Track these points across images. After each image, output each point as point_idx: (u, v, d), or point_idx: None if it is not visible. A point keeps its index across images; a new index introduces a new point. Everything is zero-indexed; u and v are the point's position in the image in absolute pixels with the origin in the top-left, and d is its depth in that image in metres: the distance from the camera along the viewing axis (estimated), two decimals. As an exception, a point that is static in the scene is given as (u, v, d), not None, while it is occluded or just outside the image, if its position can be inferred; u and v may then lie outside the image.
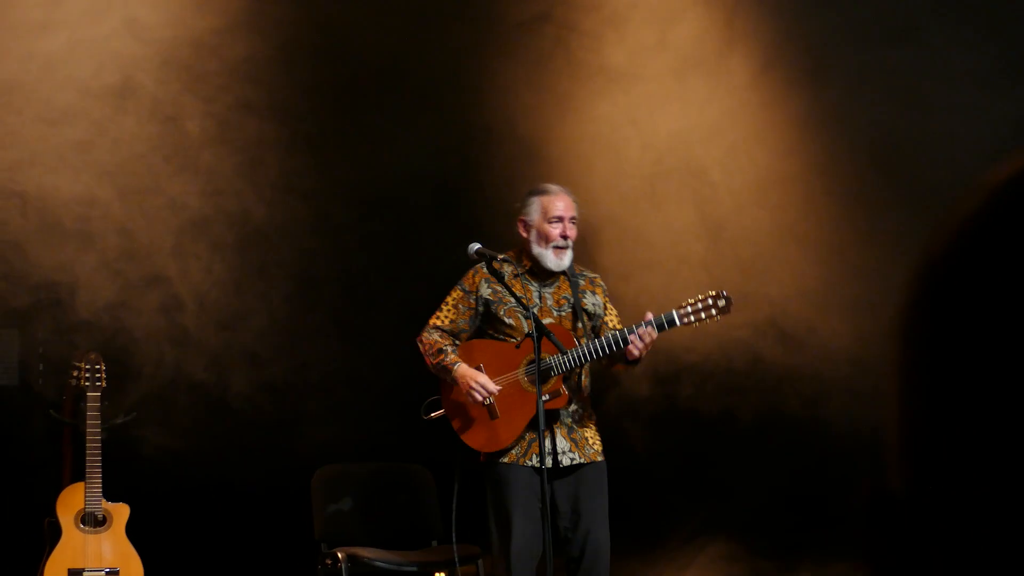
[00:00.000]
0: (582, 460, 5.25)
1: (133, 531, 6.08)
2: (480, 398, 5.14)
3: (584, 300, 5.34)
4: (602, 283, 5.51)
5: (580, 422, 5.29)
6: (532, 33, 7.13)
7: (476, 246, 5.18)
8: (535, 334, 4.98)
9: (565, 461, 5.22)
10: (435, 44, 7.09)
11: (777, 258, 6.82)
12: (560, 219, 5.28)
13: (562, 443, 5.20)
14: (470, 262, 5.30)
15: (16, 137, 6.50)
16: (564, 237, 5.27)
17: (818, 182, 6.82)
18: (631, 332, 5.13)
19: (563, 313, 5.27)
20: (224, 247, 6.88)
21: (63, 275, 6.61)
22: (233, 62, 6.78)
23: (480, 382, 5.15)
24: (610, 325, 5.42)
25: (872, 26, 6.73)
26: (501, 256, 5.27)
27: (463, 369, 5.22)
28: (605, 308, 5.44)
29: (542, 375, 5.08)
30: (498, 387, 5.17)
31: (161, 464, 6.62)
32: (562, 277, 5.35)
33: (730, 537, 6.84)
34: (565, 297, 5.31)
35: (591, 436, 5.30)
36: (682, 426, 6.97)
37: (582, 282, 5.41)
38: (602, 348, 5.14)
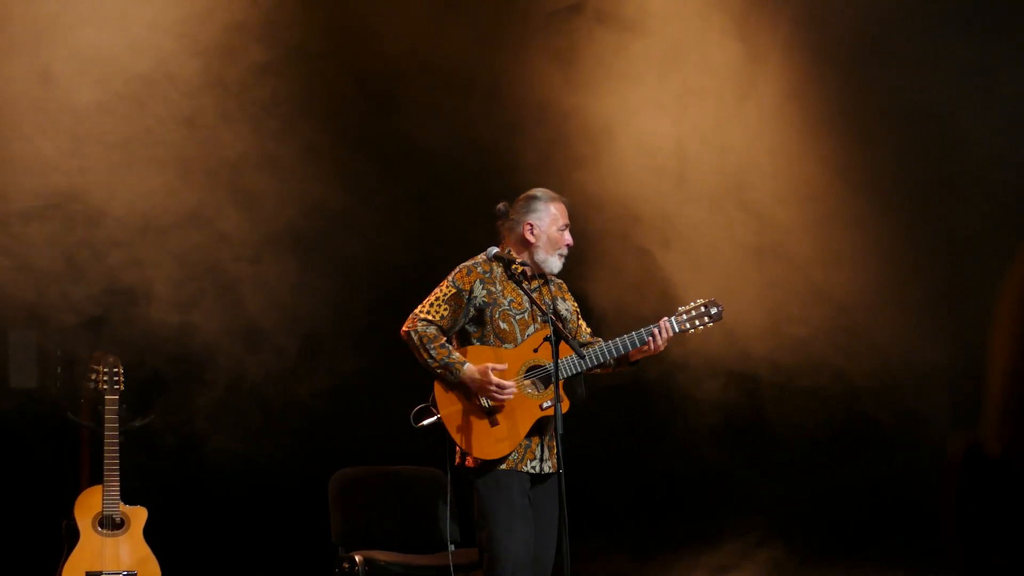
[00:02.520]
0: (551, 470, 5.23)
1: (151, 534, 6.09)
2: (503, 398, 5.04)
3: (558, 306, 5.33)
4: (567, 288, 5.49)
5: (551, 431, 5.22)
6: (563, 23, 7.20)
7: (494, 250, 5.27)
8: (553, 338, 4.99)
9: (545, 469, 5.21)
10: (468, 35, 7.15)
11: (838, 261, 6.92)
12: (566, 227, 5.33)
13: (543, 451, 5.17)
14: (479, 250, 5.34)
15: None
16: (568, 246, 5.35)
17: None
18: (648, 333, 5.20)
19: (546, 320, 5.20)
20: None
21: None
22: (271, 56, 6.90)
23: (497, 383, 5.06)
24: (584, 331, 5.42)
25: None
26: (519, 260, 5.27)
27: (473, 370, 5.10)
28: (578, 314, 5.45)
29: (543, 380, 5.09)
30: (514, 386, 5.07)
31: (179, 467, 6.70)
32: (542, 282, 5.34)
33: (785, 543, 6.97)
34: (546, 303, 5.27)
35: (555, 445, 5.20)
36: (758, 434, 7.07)
37: (553, 288, 5.40)
38: (617, 349, 5.18)
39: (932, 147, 6.80)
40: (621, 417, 7.23)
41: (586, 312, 5.76)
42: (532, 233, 5.27)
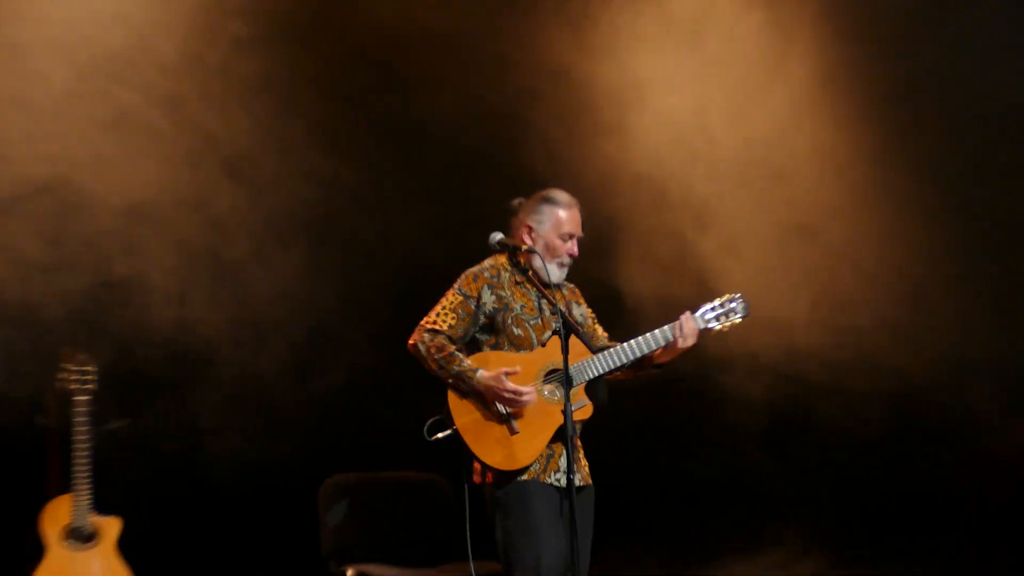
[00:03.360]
0: (582, 483, 5.10)
1: (126, 547, 5.92)
2: (522, 403, 4.90)
3: (572, 312, 5.20)
4: (580, 293, 5.39)
5: (581, 439, 5.14)
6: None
7: (498, 236, 5.12)
8: (563, 332, 4.83)
9: (577, 481, 4.98)
10: (475, 7, 7.06)
11: (882, 260, 6.92)
12: (571, 236, 5.18)
13: (572, 462, 4.92)
14: (489, 251, 5.18)
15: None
16: (571, 256, 5.19)
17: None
18: (671, 331, 5.06)
19: (557, 326, 4.99)
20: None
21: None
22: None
23: (513, 389, 4.90)
24: (600, 335, 5.31)
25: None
26: (525, 247, 5.11)
27: (487, 377, 4.94)
28: (594, 319, 5.33)
29: (564, 384, 4.89)
30: (532, 391, 4.92)
31: (159, 475, 6.49)
32: (548, 288, 5.18)
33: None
34: (554, 312, 5.10)
35: (583, 456, 5.16)
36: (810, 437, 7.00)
37: (566, 292, 5.30)
38: (640, 349, 5.03)
39: (985, 128, 6.79)
40: (653, 418, 7.14)
41: (619, 303, 5.79)
42: (529, 236, 5.15)
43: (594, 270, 6.20)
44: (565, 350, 4.81)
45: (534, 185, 5.33)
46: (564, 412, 4.74)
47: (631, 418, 6.61)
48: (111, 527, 5.89)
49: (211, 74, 6.68)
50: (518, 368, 4.92)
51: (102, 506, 5.87)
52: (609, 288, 6.80)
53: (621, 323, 5.66)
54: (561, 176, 6.09)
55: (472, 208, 6.58)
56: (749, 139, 6.97)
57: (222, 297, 6.70)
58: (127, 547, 5.91)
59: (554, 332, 4.95)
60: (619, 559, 6.95)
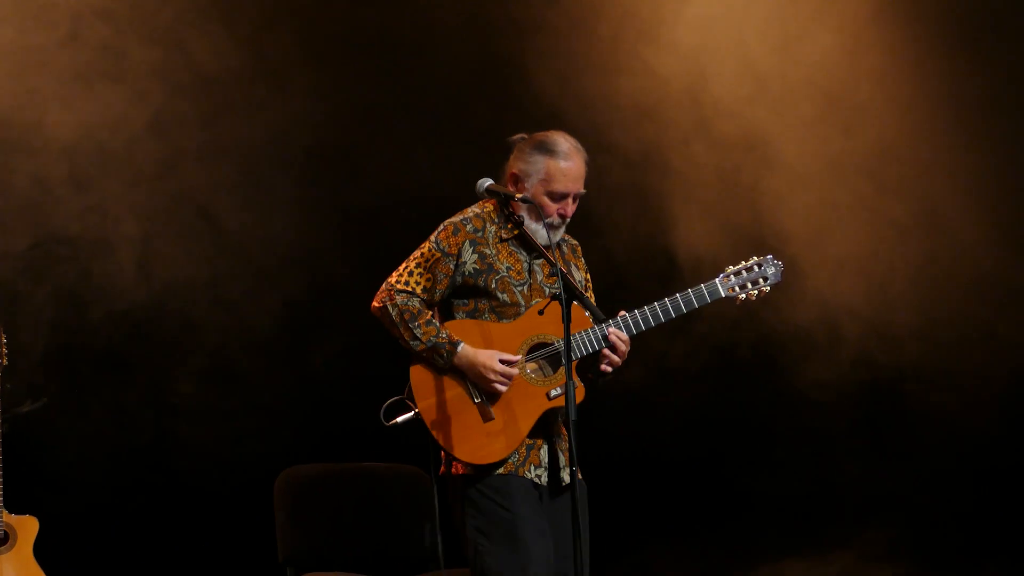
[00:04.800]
0: (566, 480, 4.71)
1: (42, 550, 5.72)
2: (503, 389, 4.56)
3: (572, 276, 4.79)
4: (581, 252, 4.97)
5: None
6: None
7: (487, 182, 4.64)
8: (563, 297, 4.32)
9: (566, 478, 4.65)
10: None
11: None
12: (565, 196, 4.68)
13: (562, 457, 4.66)
14: (476, 199, 4.74)
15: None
16: (562, 217, 4.71)
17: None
18: (698, 296, 4.69)
19: (556, 291, 4.59)
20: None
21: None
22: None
23: (500, 370, 4.54)
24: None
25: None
26: (519, 196, 4.63)
27: (472, 352, 4.56)
28: (588, 285, 4.94)
29: (551, 362, 4.61)
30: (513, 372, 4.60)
31: (80, 466, 6.20)
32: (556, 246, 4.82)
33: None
34: (554, 274, 4.70)
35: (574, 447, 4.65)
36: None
37: (566, 249, 4.87)
38: (656, 317, 4.64)
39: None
40: (712, 407, 6.97)
41: (672, 261, 5.86)
42: (515, 187, 4.69)
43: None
44: (567, 320, 4.32)
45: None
46: (566, 395, 4.26)
47: (691, 406, 6.65)
48: (27, 527, 5.69)
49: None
50: (518, 359, 4.58)
51: (13, 505, 5.68)
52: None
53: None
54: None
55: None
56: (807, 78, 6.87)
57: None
58: (45, 551, 5.72)
59: (554, 298, 4.46)
60: (670, 558, 6.90)
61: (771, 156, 6.87)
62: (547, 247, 4.62)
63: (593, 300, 4.84)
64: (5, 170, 6.23)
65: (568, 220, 4.73)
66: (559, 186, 4.63)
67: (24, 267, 6.28)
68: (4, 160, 6.23)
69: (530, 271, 4.68)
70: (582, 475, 4.66)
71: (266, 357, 6.65)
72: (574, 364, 4.51)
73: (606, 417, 6.40)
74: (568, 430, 4.29)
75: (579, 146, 4.72)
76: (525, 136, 4.75)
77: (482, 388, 4.57)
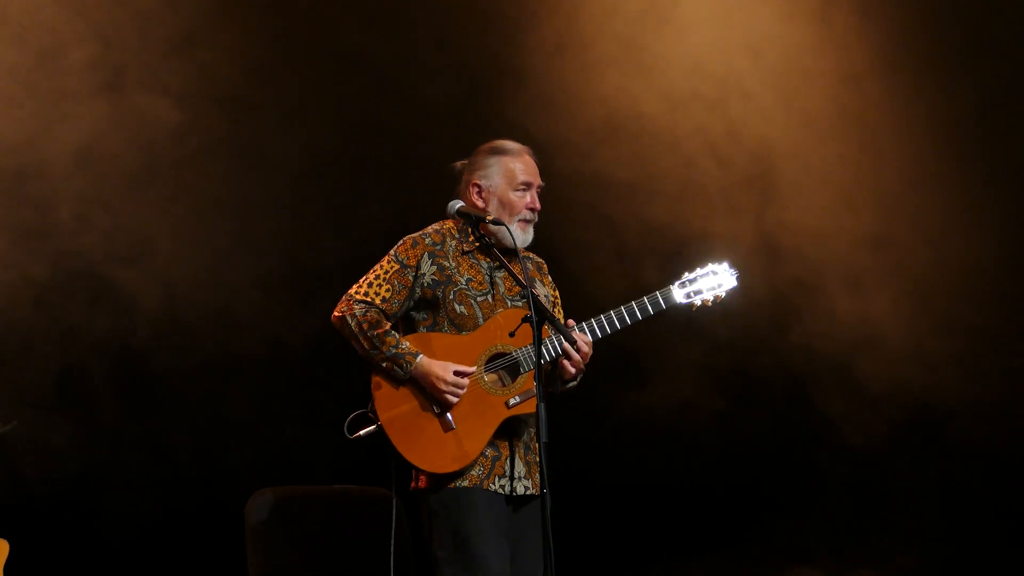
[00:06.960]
0: (533, 491, 4.72)
1: (12, 573, 5.64)
2: (455, 400, 4.61)
3: (535, 290, 4.74)
4: (547, 270, 5.04)
5: (531, 439, 4.76)
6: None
7: (458, 204, 4.68)
8: (533, 317, 4.33)
9: (520, 489, 4.68)
10: None
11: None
12: (528, 186, 4.82)
13: (520, 466, 4.66)
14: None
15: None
16: (532, 210, 4.83)
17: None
18: (653, 303, 4.73)
19: (518, 304, 4.77)
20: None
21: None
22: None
23: (452, 381, 4.60)
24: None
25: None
26: (490, 219, 4.67)
27: (428, 364, 4.62)
28: (557, 303, 4.97)
29: (510, 371, 4.65)
30: (465, 383, 4.66)
31: (52, 490, 6.10)
32: (513, 259, 4.81)
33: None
34: (517, 285, 4.80)
35: (535, 460, 4.73)
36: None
37: (530, 266, 4.94)
38: (616, 323, 4.67)
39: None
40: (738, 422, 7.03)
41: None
42: (480, 196, 4.79)
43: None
44: (537, 339, 4.32)
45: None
46: (537, 408, 4.26)
47: (722, 424, 6.69)
48: (-3, 551, 5.52)
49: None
50: (473, 370, 4.63)
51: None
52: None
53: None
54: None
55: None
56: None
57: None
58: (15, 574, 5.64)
59: (525, 319, 4.40)
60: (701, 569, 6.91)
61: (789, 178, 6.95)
62: (514, 253, 4.66)
63: (561, 317, 4.89)
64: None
65: (536, 216, 4.80)
66: (522, 176, 4.77)
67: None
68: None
69: (492, 282, 4.74)
70: (548, 488, 4.54)
71: (241, 374, 6.55)
72: (531, 375, 4.58)
73: (633, 447, 6.54)
74: (540, 450, 4.25)
75: (525, 145, 4.86)
76: (464, 161, 4.86)
77: (435, 399, 4.59)
